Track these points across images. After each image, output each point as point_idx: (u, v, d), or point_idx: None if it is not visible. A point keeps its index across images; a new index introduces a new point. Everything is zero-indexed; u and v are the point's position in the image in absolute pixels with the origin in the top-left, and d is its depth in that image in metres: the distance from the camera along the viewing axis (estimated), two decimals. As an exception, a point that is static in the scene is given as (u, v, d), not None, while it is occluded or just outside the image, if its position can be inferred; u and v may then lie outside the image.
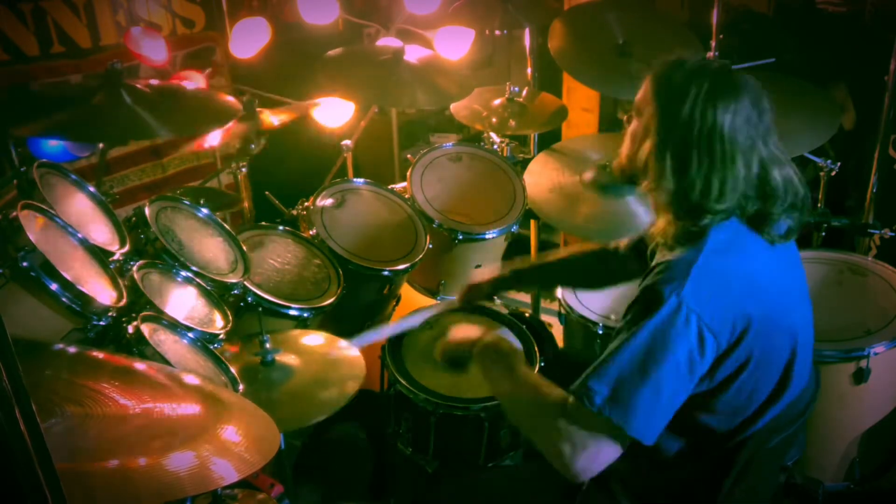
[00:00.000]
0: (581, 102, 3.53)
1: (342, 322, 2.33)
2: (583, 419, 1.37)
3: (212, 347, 1.80)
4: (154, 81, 2.33)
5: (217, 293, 1.98)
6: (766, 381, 1.49)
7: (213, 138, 2.53)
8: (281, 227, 2.42)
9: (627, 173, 1.57)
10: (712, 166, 1.40)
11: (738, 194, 1.42)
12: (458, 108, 2.98)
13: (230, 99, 2.31)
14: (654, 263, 1.48)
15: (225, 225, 2.23)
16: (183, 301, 1.89)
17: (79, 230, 1.78)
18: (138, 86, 2.13)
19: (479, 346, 1.66)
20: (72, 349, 1.41)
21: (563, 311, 2.49)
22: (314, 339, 2.06)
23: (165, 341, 1.69)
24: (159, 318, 1.73)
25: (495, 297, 2.17)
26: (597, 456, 1.37)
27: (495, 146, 2.93)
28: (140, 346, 1.61)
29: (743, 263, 1.44)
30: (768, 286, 1.46)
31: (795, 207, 1.47)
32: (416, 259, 2.45)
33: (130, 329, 1.63)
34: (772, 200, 1.44)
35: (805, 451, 1.79)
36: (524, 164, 2.88)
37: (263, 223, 2.44)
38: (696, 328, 1.36)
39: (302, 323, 2.18)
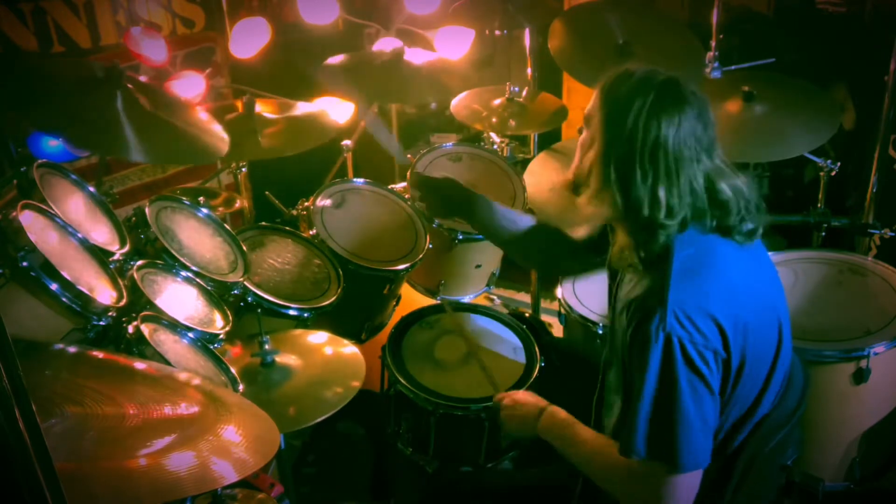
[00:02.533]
0: (581, 102, 3.51)
1: (342, 322, 2.33)
2: (643, 473, 1.43)
3: (212, 347, 1.80)
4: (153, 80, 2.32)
5: (217, 293, 1.98)
6: (756, 383, 1.51)
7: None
8: (281, 227, 2.42)
9: (577, 185, 1.57)
10: (657, 180, 1.40)
11: (687, 207, 1.41)
12: (458, 108, 2.97)
13: (223, 137, 2.25)
14: (627, 300, 1.48)
15: (225, 225, 2.23)
16: (183, 301, 1.89)
17: (79, 230, 1.78)
18: (139, 99, 2.09)
19: (540, 424, 1.68)
20: (72, 349, 1.42)
21: (562, 310, 2.49)
22: (314, 338, 2.06)
23: (165, 341, 1.69)
24: (159, 318, 1.73)
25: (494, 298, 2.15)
26: (679, 497, 1.42)
27: (495, 146, 2.93)
28: (140, 346, 1.61)
29: (717, 275, 1.44)
30: (746, 289, 1.47)
31: (749, 214, 1.47)
32: (416, 259, 2.45)
33: (130, 329, 1.63)
34: (725, 213, 1.44)
35: (805, 451, 1.79)
36: (524, 164, 2.88)
37: (263, 223, 2.44)
38: (693, 351, 1.38)
39: (302, 323, 2.18)
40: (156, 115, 2.11)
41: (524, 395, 1.77)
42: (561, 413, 1.67)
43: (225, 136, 2.24)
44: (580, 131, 1.57)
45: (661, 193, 1.39)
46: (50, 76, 2.10)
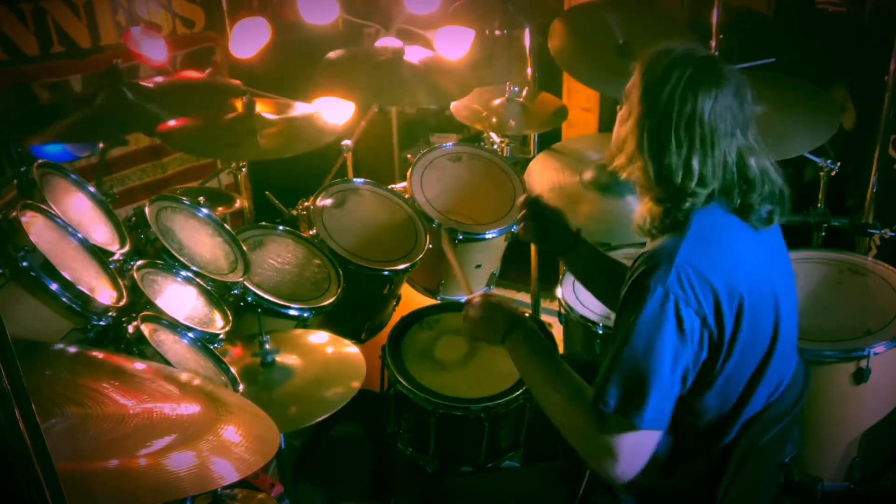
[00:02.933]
0: (581, 102, 3.53)
1: (342, 322, 2.33)
2: (606, 424, 1.41)
3: (212, 347, 1.80)
4: (159, 78, 2.33)
5: (217, 293, 1.98)
6: (747, 369, 1.50)
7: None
8: (281, 227, 2.42)
9: (614, 158, 1.58)
10: (692, 149, 1.42)
11: (718, 179, 1.43)
12: (458, 108, 2.97)
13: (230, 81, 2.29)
14: (638, 254, 1.50)
15: (225, 225, 2.23)
16: (183, 301, 1.89)
17: (79, 230, 1.78)
18: (141, 83, 2.13)
19: (513, 331, 1.62)
20: (72, 349, 1.41)
21: (562, 311, 2.48)
22: (314, 338, 2.06)
23: (165, 341, 1.69)
24: (159, 318, 1.73)
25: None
26: (628, 457, 1.40)
27: (495, 146, 2.93)
28: (140, 346, 1.61)
29: (726, 248, 1.45)
30: (752, 271, 1.47)
31: (773, 197, 1.49)
32: (416, 259, 2.45)
33: (130, 329, 1.63)
34: (749, 189, 1.46)
35: (805, 450, 1.79)
36: (524, 164, 2.88)
37: (263, 223, 2.44)
38: (686, 314, 1.38)
39: (302, 323, 2.18)
40: (164, 89, 2.17)
41: (499, 299, 1.71)
42: (537, 335, 1.62)
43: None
44: (618, 107, 1.59)
45: (695, 163, 1.41)
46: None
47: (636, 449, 1.41)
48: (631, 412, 1.38)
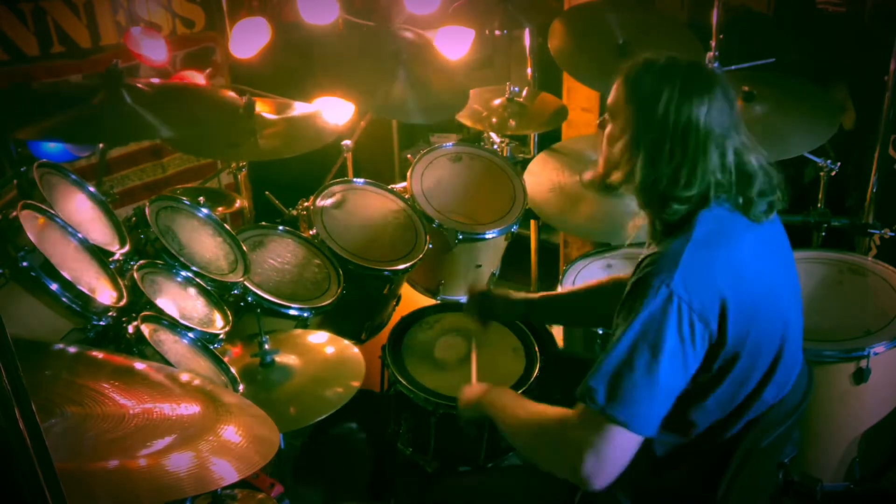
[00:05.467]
0: (581, 102, 3.52)
1: (342, 322, 2.33)
2: (588, 421, 1.37)
3: (212, 347, 1.80)
4: (155, 80, 2.33)
5: (217, 293, 1.98)
6: (755, 373, 1.50)
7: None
8: (281, 227, 2.42)
9: (607, 178, 1.58)
10: (684, 158, 1.42)
11: (706, 182, 1.43)
12: (457, 108, 2.97)
13: (230, 94, 2.30)
14: (642, 256, 1.50)
15: (225, 225, 2.23)
16: (183, 301, 1.89)
17: (79, 230, 1.78)
18: (139, 85, 2.13)
19: (482, 401, 1.70)
20: (72, 349, 1.42)
21: (563, 311, 2.48)
22: (314, 339, 2.06)
23: (165, 341, 1.69)
24: (159, 318, 1.73)
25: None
26: (609, 457, 1.35)
27: (495, 146, 2.92)
28: (140, 346, 1.61)
29: (730, 253, 1.45)
30: (756, 275, 1.47)
31: (772, 188, 1.49)
32: (416, 259, 2.45)
33: (130, 329, 1.63)
34: (750, 184, 1.46)
35: (805, 450, 1.79)
36: (524, 164, 2.88)
37: (263, 223, 2.44)
38: (688, 317, 1.37)
39: (302, 323, 2.18)
40: (163, 95, 2.16)
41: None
42: (505, 391, 1.71)
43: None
44: (601, 125, 1.59)
45: (684, 170, 1.42)
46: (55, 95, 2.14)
47: (618, 450, 1.35)
48: (619, 411, 1.34)
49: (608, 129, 1.56)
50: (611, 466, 1.35)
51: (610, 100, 1.54)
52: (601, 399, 1.36)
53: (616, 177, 1.52)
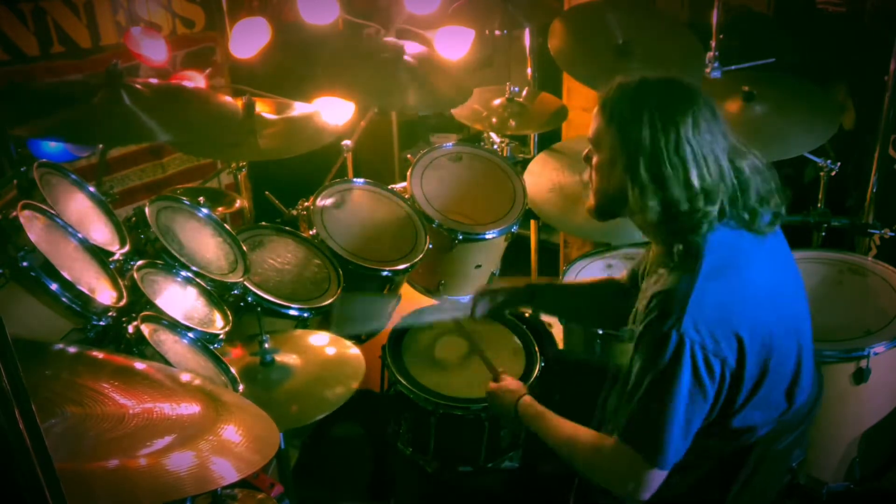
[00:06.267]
0: (581, 102, 3.52)
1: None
2: (630, 460, 1.45)
3: (212, 347, 1.80)
4: (154, 80, 2.33)
5: (217, 293, 1.98)
6: (777, 391, 1.51)
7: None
8: (281, 227, 2.42)
9: (605, 209, 1.58)
10: (686, 169, 1.41)
11: (720, 192, 1.42)
12: (458, 108, 2.97)
13: (228, 99, 2.30)
14: (650, 293, 1.48)
15: (225, 225, 2.23)
16: (183, 301, 1.89)
17: (79, 230, 1.78)
18: (138, 86, 2.12)
19: (518, 408, 1.73)
20: (72, 349, 1.41)
21: (563, 311, 2.48)
22: (314, 339, 2.06)
23: (165, 341, 1.69)
24: (159, 318, 1.73)
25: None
26: (651, 486, 1.46)
27: (495, 146, 2.92)
28: (140, 346, 1.61)
29: (742, 282, 1.44)
30: (769, 297, 1.47)
31: (771, 193, 1.49)
32: (416, 259, 2.45)
33: (130, 329, 1.63)
34: (748, 190, 1.46)
35: (806, 451, 1.79)
36: (524, 164, 2.88)
37: (263, 223, 2.44)
38: (702, 358, 1.38)
39: (302, 323, 2.18)
40: (162, 97, 2.16)
41: (511, 382, 1.84)
42: (535, 404, 1.72)
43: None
44: (587, 159, 1.58)
45: (694, 179, 1.40)
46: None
47: (656, 481, 1.46)
48: (653, 456, 1.42)
49: (595, 160, 1.55)
50: (650, 490, 1.47)
51: (591, 131, 1.53)
52: (626, 441, 1.45)
53: (629, 211, 1.51)
